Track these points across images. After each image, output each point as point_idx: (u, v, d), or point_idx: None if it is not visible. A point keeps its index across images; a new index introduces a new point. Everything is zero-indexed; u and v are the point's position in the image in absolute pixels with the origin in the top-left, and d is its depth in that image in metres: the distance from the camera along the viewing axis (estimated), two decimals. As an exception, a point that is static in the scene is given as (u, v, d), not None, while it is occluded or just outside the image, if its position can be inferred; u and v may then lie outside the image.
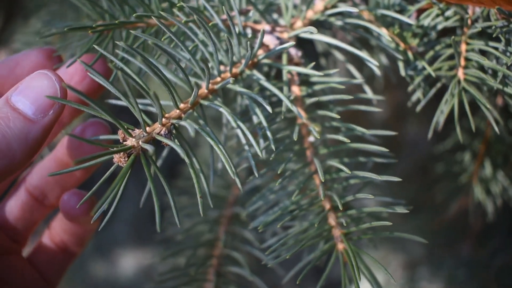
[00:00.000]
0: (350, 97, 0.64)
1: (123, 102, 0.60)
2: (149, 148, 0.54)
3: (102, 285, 2.00)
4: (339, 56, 0.76)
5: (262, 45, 0.67)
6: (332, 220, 0.66)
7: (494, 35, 0.68)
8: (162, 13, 0.60)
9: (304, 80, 0.70)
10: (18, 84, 0.58)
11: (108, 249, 2.07)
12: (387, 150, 0.63)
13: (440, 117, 0.72)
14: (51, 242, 0.73)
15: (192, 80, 0.66)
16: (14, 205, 0.70)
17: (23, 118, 0.56)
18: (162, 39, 0.62)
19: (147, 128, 0.58)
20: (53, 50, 0.67)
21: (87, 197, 0.55)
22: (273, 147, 0.61)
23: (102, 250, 2.08)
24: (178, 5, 0.62)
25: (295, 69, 0.65)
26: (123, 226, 2.02)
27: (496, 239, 1.21)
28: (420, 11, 0.73)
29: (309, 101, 0.66)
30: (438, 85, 0.73)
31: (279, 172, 0.62)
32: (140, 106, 0.64)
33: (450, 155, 0.96)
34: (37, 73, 0.58)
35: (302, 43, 0.76)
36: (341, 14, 0.71)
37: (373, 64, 0.67)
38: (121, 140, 0.57)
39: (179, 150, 0.55)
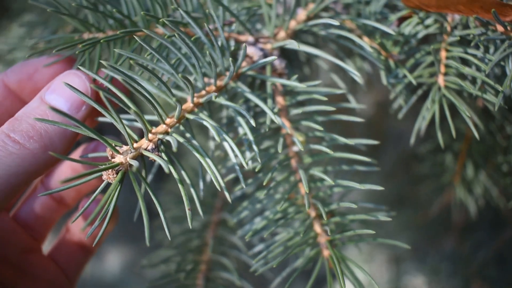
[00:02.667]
0: (333, 108, 0.65)
1: (107, 119, 0.61)
2: (134, 163, 0.55)
3: (88, 281, 2.01)
4: (322, 65, 0.77)
5: (246, 56, 0.68)
6: (317, 228, 0.67)
7: (472, 44, 0.69)
8: (144, 30, 0.61)
9: (289, 90, 0.71)
10: (49, 84, 0.62)
11: (95, 246, 2.07)
12: (370, 160, 0.65)
13: (422, 123, 0.74)
14: (70, 241, 0.77)
15: (178, 94, 0.67)
16: (35, 205, 0.74)
17: (59, 115, 0.59)
18: (146, 55, 0.63)
19: (134, 144, 0.59)
20: (71, 58, 0.69)
21: (93, 198, 0.58)
22: (259, 159, 0.62)
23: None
24: (160, 21, 0.62)
25: (279, 81, 0.66)
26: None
27: (478, 234, 1.23)
28: (401, 20, 0.74)
29: (293, 112, 0.68)
30: (419, 92, 0.75)
31: (265, 183, 0.63)
32: (127, 122, 0.65)
33: (433, 155, 0.98)
34: (66, 72, 0.62)
35: (286, 52, 0.77)
36: (324, 24, 0.72)
37: (356, 75, 0.68)
38: (109, 157, 0.59)
39: (164, 165, 0.56)
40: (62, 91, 0.61)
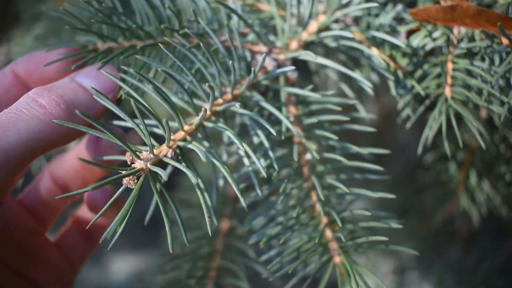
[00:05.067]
0: (347, 118, 0.67)
1: (127, 123, 0.62)
2: (161, 172, 0.56)
3: (93, 289, 2.01)
4: (332, 75, 0.79)
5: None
6: (329, 234, 0.69)
7: (479, 56, 0.71)
8: (166, 38, 0.62)
9: (301, 100, 0.73)
10: (81, 70, 0.65)
11: (99, 253, 2.07)
12: (381, 168, 0.67)
13: (429, 133, 0.76)
14: (75, 230, 0.78)
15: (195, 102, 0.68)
16: (40, 190, 0.75)
17: (89, 93, 0.63)
18: (168, 65, 0.64)
19: (155, 151, 0.60)
20: (76, 49, 0.71)
21: (112, 200, 0.57)
22: (275, 166, 0.64)
23: (93, 254, 2.08)
24: (181, 32, 0.64)
25: (294, 90, 0.67)
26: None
27: (483, 244, 1.25)
28: (409, 32, 0.76)
29: (307, 121, 0.69)
30: (427, 102, 0.77)
31: (281, 190, 0.65)
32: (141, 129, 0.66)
33: (437, 164, 1.00)
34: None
35: (296, 62, 0.79)
36: (336, 36, 0.74)
37: (367, 85, 0.70)
38: (129, 162, 0.59)
39: (187, 171, 0.57)
40: (93, 76, 0.64)
